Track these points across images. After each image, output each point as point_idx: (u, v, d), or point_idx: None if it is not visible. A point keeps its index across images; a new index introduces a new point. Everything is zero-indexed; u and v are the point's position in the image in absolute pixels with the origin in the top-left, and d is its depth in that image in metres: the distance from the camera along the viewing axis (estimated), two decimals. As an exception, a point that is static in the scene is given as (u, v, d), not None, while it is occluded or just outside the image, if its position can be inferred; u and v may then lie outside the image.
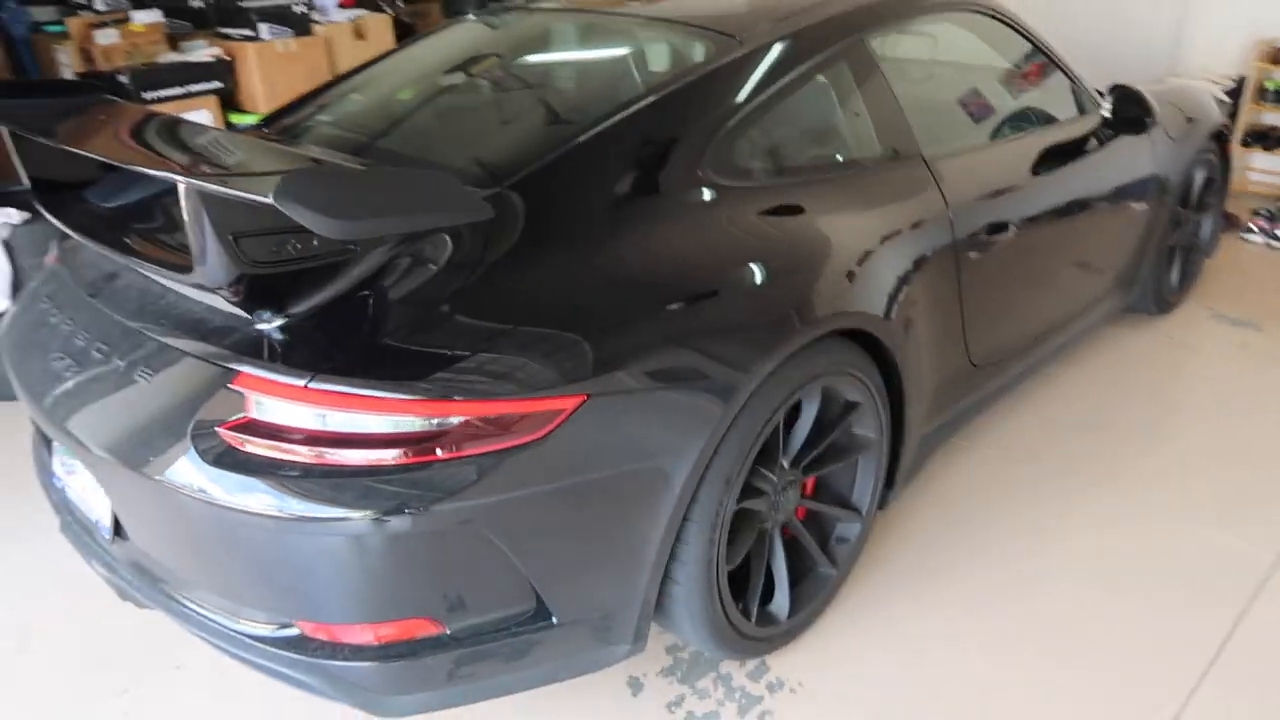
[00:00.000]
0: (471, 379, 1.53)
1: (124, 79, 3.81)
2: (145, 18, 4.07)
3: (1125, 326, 3.63)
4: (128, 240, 1.75)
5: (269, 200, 1.33)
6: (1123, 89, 2.91)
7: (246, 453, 1.52)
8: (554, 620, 1.69)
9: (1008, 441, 2.90)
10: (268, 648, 1.64)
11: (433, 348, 1.56)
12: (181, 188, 1.46)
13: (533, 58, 2.46)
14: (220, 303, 1.60)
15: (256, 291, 1.56)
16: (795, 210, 2.00)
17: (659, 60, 2.25)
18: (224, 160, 1.65)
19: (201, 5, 4.32)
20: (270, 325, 1.57)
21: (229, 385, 1.56)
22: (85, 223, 1.85)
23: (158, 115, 1.93)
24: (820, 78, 2.24)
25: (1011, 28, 2.80)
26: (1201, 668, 2.06)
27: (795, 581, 2.15)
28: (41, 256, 2.32)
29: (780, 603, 2.07)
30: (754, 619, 1.99)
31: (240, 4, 4.17)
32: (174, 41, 4.24)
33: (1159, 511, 2.57)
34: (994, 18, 2.75)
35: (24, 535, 2.52)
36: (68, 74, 4.14)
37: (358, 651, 1.61)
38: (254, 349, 1.56)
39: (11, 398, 1.97)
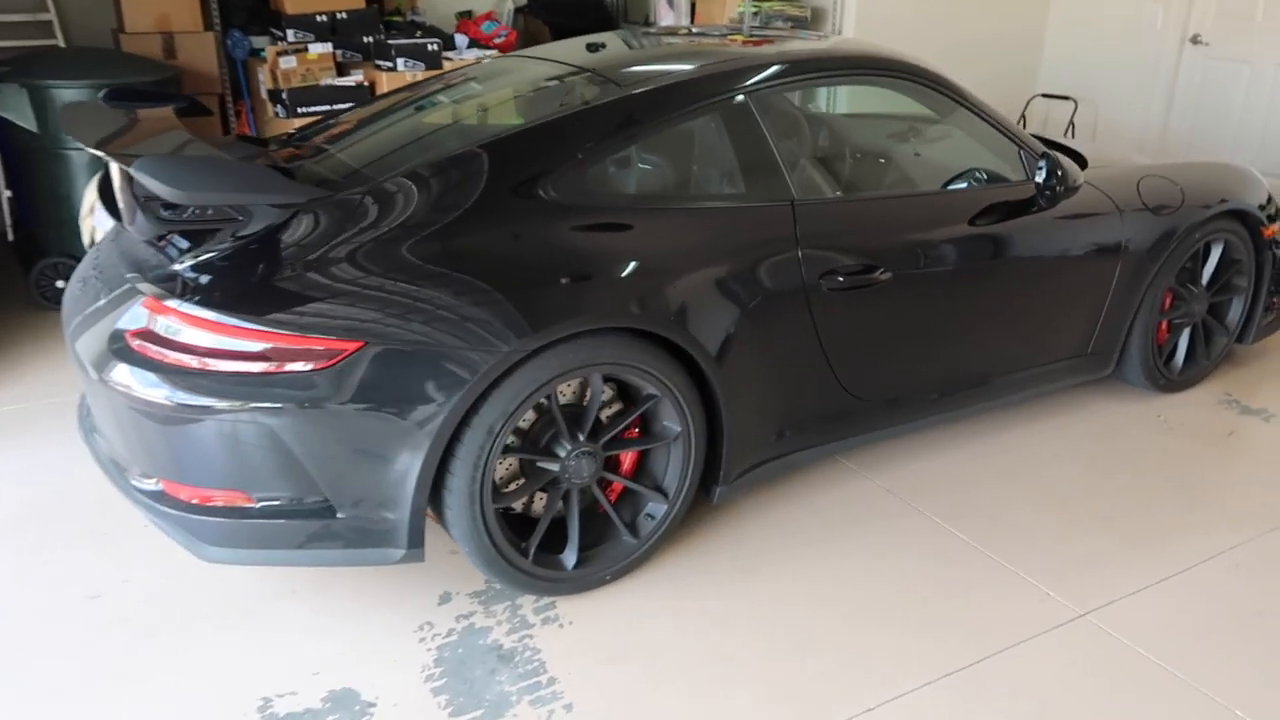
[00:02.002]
0: (286, 317, 2.10)
1: (284, 95, 4.79)
2: (319, 49, 5.06)
3: (1115, 398, 3.63)
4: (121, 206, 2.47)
5: (131, 170, 1.98)
6: (1046, 155, 3.01)
7: (138, 353, 2.17)
8: (337, 514, 2.22)
9: (903, 477, 3.08)
10: (146, 499, 2.29)
11: (267, 293, 2.14)
12: (112, 164, 2.15)
13: (470, 96, 3.01)
14: (153, 249, 2.28)
15: (172, 241, 2.23)
16: (619, 227, 2.42)
17: (559, 99, 2.72)
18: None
19: (369, 41, 5.27)
20: (181, 266, 2.22)
21: (140, 305, 2.22)
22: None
23: (175, 126, 2.65)
24: (688, 125, 2.64)
25: (942, 93, 3.01)
26: (923, 681, 2.24)
27: (597, 541, 2.55)
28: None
29: (568, 554, 2.47)
30: (530, 558, 2.41)
31: (390, 42, 5.08)
32: (342, 69, 5.21)
33: (995, 561, 2.69)
34: (920, 83, 2.98)
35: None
36: (263, 90, 5.20)
37: (191, 507, 2.22)
38: (163, 281, 2.21)
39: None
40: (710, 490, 2.67)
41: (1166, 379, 3.63)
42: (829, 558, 2.69)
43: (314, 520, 2.22)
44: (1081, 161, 3.46)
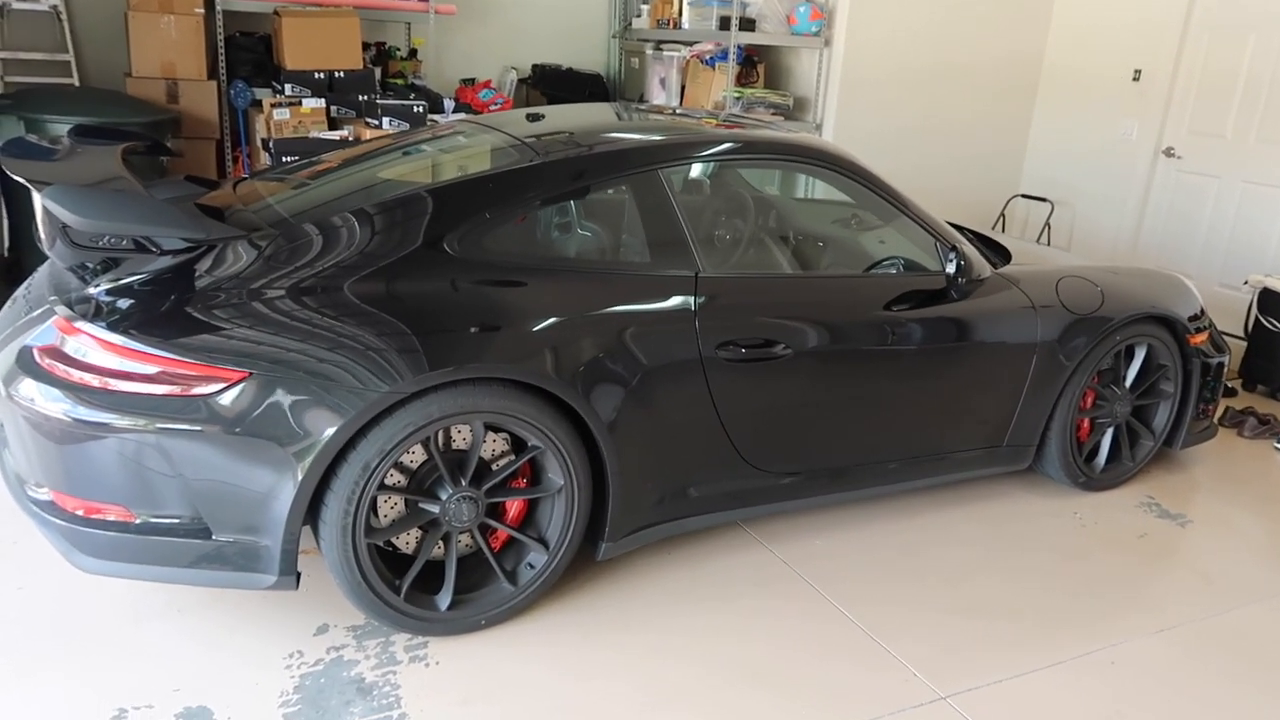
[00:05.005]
0: (180, 344, 2.23)
1: (271, 144, 5.02)
2: (312, 103, 5.32)
3: (1037, 491, 3.66)
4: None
5: (40, 196, 2.13)
6: (955, 248, 3.11)
7: (45, 369, 2.29)
8: (212, 536, 2.31)
9: (802, 549, 3.12)
10: (36, 508, 2.39)
11: (167, 321, 2.26)
12: (34, 192, 2.31)
13: (413, 156, 3.17)
14: (74, 273, 2.42)
15: (89, 267, 2.37)
16: (514, 284, 2.54)
17: (483, 163, 2.87)
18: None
19: (363, 99, 5.52)
20: (95, 290, 2.36)
21: (52, 324, 2.36)
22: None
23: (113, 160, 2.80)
24: (598, 194, 2.77)
25: (864, 184, 3.13)
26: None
27: (476, 586, 2.61)
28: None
29: (443, 596, 2.54)
30: (402, 595, 2.47)
31: (379, 101, 5.33)
32: (335, 124, 5.46)
33: (869, 637, 2.72)
34: (842, 173, 3.10)
35: None
36: (258, 138, 5.45)
37: (76, 518, 2.32)
38: (77, 303, 2.34)
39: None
40: (597, 545, 2.74)
41: (1087, 477, 3.66)
42: (707, 617, 2.74)
43: (190, 540, 2.31)
44: (1006, 256, 3.57)
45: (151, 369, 2.22)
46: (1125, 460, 3.75)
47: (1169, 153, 5.96)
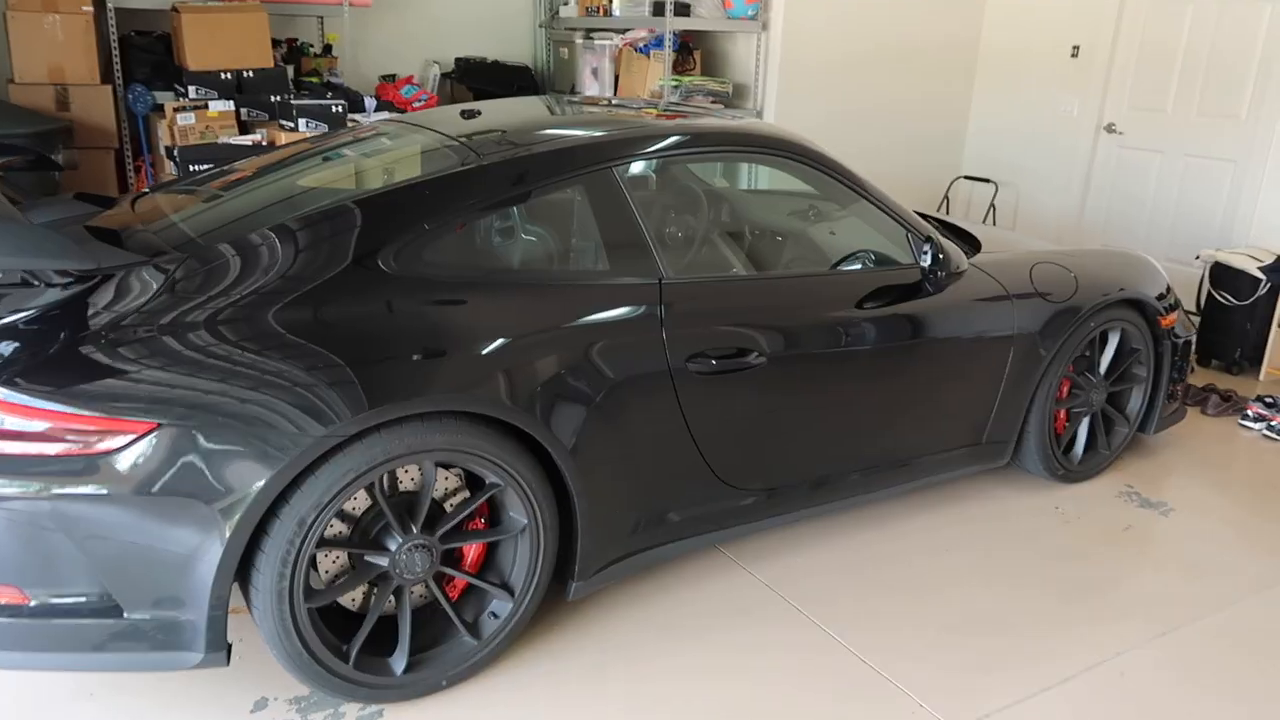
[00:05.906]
0: (69, 393, 1.90)
1: (175, 152, 4.62)
2: (220, 106, 4.92)
3: (1015, 487, 3.51)
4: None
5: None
6: (930, 239, 2.92)
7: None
8: (124, 614, 1.99)
9: (785, 570, 2.90)
10: (-87, 592, 2.04)
11: (54, 368, 1.93)
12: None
13: (334, 162, 2.86)
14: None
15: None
16: (460, 303, 2.26)
17: (418, 167, 2.58)
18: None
19: (276, 100, 5.13)
20: (-32, 334, 2.01)
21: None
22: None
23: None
24: (547, 197, 2.50)
25: (829, 174, 2.92)
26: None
27: (434, 642, 2.33)
28: None
29: (398, 658, 2.25)
30: (352, 662, 2.18)
31: (293, 102, 4.95)
32: (246, 127, 5.06)
33: (868, 666, 2.52)
34: (806, 163, 2.88)
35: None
36: (161, 146, 5.03)
37: (-45, 603, 1.98)
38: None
39: None
40: (566, 585, 2.48)
41: (1065, 469, 3.52)
42: (687, 656, 2.50)
43: (98, 621, 1.99)
44: (975, 245, 3.40)
45: (41, 425, 1.89)
46: (1101, 449, 3.63)
47: (1110, 129, 5.90)
